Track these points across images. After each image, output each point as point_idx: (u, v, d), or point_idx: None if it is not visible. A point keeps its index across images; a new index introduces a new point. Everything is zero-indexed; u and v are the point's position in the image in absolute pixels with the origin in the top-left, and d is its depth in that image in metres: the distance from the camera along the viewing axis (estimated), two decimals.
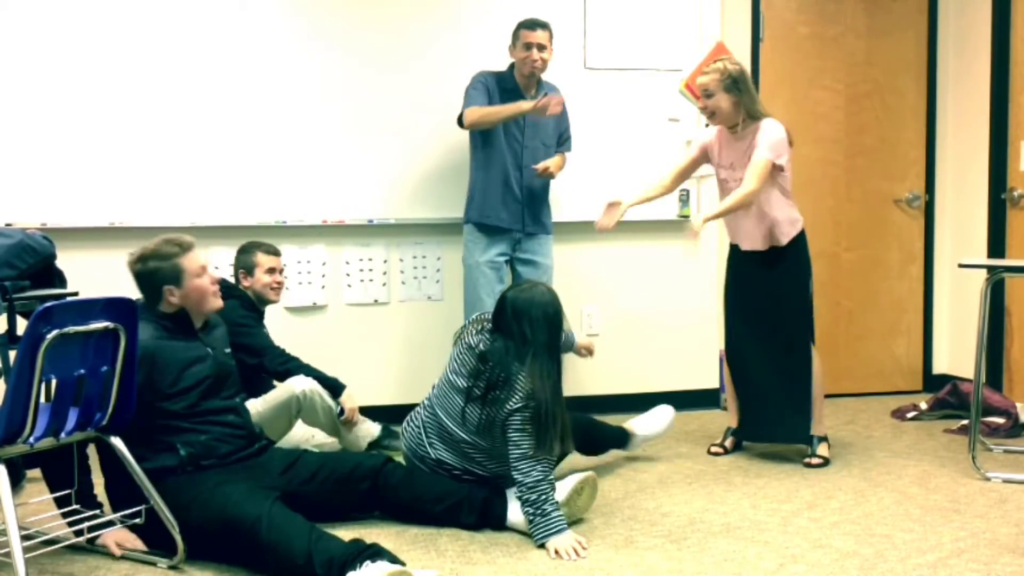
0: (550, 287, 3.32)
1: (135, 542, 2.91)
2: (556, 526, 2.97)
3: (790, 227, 3.94)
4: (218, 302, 3.12)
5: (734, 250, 4.12)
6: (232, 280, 4.04)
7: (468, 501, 3.14)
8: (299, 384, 3.76)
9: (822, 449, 3.97)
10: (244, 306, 3.93)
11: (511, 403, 3.10)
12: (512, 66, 4.43)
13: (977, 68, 5.14)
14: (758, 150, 3.80)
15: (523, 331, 3.16)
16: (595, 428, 3.85)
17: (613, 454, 3.95)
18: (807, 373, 3.95)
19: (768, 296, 3.97)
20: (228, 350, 3.22)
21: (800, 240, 3.96)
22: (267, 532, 2.66)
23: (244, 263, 4.02)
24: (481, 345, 3.25)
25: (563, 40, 4.84)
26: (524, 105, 4.25)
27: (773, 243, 3.95)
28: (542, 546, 2.95)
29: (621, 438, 3.90)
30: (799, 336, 3.96)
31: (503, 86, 4.41)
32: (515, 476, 3.06)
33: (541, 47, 4.32)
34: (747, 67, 5.02)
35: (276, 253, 4.06)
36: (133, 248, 4.37)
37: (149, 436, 2.91)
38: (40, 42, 4.29)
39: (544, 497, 3.01)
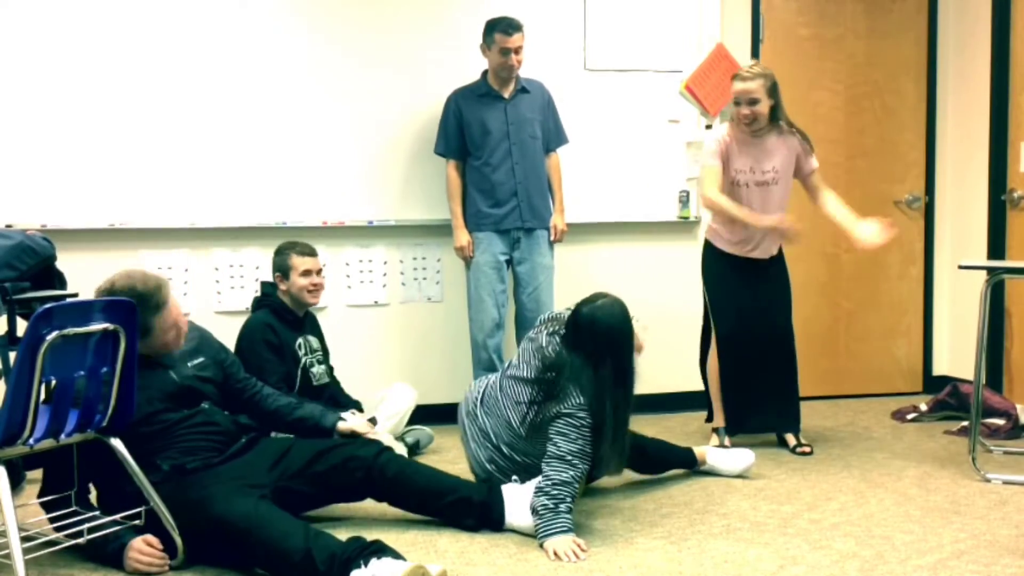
0: (622, 304, 3.22)
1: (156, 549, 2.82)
2: (561, 527, 2.97)
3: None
4: (181, 343, 3.05)
5: (721, 252, 4.17)
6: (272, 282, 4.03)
7: (467, 503, 3.12)
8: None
9: (803, 438, 4.22)
10: (271, 322, 3.86)
11: (563, 406, 3.11)
12: (485, 71, 4.47)
13: (977, 69, 5.14)
14: (812, 160, 4.08)
15: (593, 349, 3.13)
16: (655, 447, 3.75)
17: None
18: (794, 364, 4.21)
19: (762, 294, 4.13)
20: (195, 362, 3.12)
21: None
22: (258, 531, 2.64)
23: (279, 265, 3.96)
24: (550, 349, 3.26)
25: (563, 41, 4.85)
26: (455, 235, 4.49)
27: (775, 250, 4.17)
28: (542, 545, 2.96)
29: (688, 460, 3.81)
30: (788, 330, 4.19)
31: (478, 93, 4.47)
32: (544, 470, 3.07)
33: (518, 50, 4.37)
34: None
35: (312, 254, 4.00)
36: (133, 249, 4.43)
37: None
38: (40, 42, 4.29)
39: (562, 498, 3.01)
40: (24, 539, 2.59)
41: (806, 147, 4.07)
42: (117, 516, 2.92)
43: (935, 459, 4.05)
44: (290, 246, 4.00)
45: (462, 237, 4.48)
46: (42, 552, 2.86)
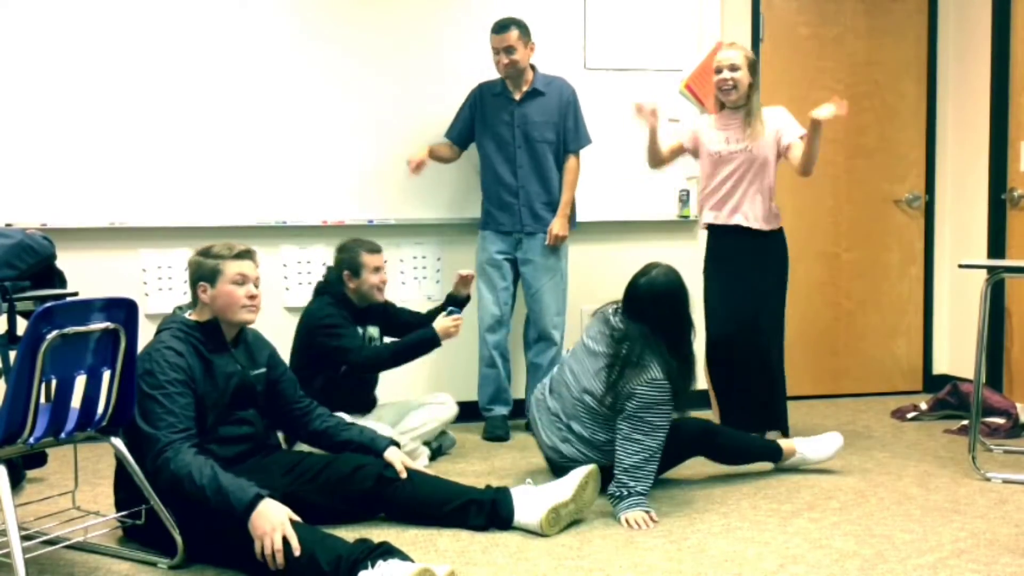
0: (671, 268, 3.49)
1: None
2: (632, 504, 3.21)
3: (776, 215, 4.16)
4: (249, 316, 3.03)
5: (719, 241, 4.21)
6: (330, 275, 4.01)
7: (476, 504, 3.13)
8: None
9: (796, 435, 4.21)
10: (334, 304, 3.87)
11: (640, 379, 3.30)
12: None
13: (977, 68, 5.14)
14: (793, 130, 4.06)
15: (656, 315, 3.39)
16: (730, 438, 3.81)
17: None
18: (782, 362, 4.21)
19: (755, 287, 4.11)
20: (259, 371, 3.14)
21: (783, 235, 4.18)
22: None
23: (349, 263, 3.91)
24: (616, 319, 3.47)
25: (563, 40, 4.85)
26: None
27: (766, 223, 4.11)
28: (618, 517, 3.21)
29: (771, 452, 3.83)
30: (779, 327, 4.19)
31: (492, 91, 4.50)
32: (618, 452, 3.28)
33: (509, 49, 4.36)
34: None
35: (379, 250, 3.97)
36: (133, 248, 4.44)
37: None
38: (40, 42, 4.30)
39: (638, 478, 3.24)
40: (24, 538, 2.59)
41: (786, 123, 4.09)
42: (116, 515, 2.92)
43: (935, 458, 4.05)
44: (358, 243, 3.95)
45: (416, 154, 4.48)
46: (42, 551, 2.86)
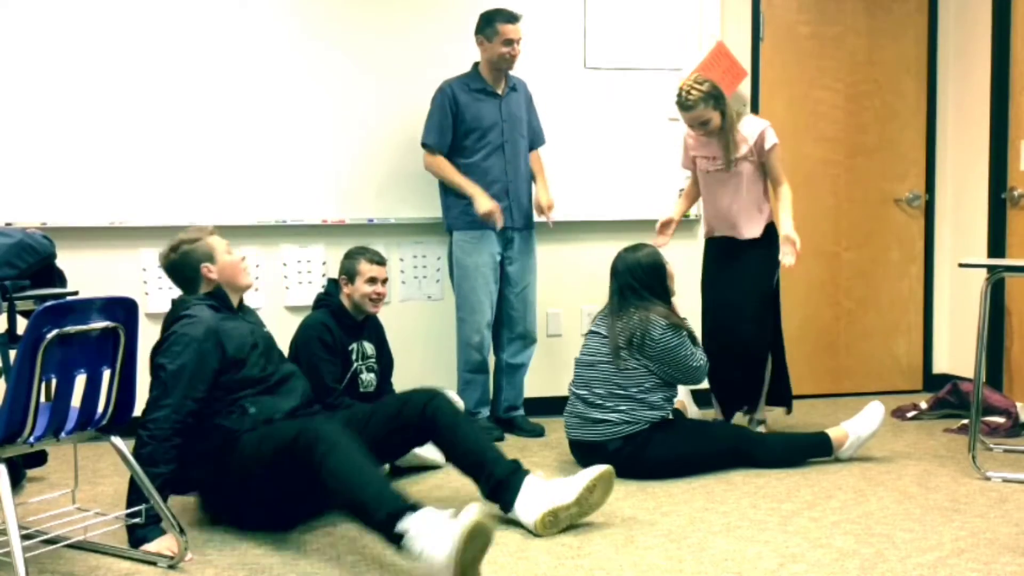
0: (655, 248, 3.94)
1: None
2: None
3: (767, 216, 4.26)
4: (249, 278, 3.35)
5: (708, 242, 4.37)
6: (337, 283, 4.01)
7: (488, 473, 3.13)
8: None
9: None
10: (327, 322, 3.85)
11: (648, 329, 3.68)
12: (477, 64, 4.43)
13: (977, 68, 5.14)
14: (769, 140, 4.13)
15: (644, 282, 3.79)
16: (772, 444, 3.93)
17: None
18: (781, 346, 4.32)
19: (738, 286, 4.20)
20: (266, 329, 3.39)
21: (771, 227, 4.25)
22: (333, 459, 2.76)
23: (347, 268, 3.93)
24: (606, 309, 3.85)
25: (563, 39, 4.85)
26: (480, 202, 4.29)
27: (759, 230, 4.21)
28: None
29: (820, 446, 3.89)
30: (755, 326, 4.21)
31: (471, 87, 4.40)
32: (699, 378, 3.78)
33: (519, 40, 4.34)
34: (747, 67, 5.07)
35: (381, 262, 3.95)
36: (133, 247, 4.44)
37: (219, 404, 3.05)
38: (40, 42, 4.30)
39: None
40: (24, 537, 2.59)
41: (763, 133, 4.14)
42: (116, 514, 2.92)
43: (935, 457, 4.05)
44: (361, 251, 3.96)
45: (486, 203, 4.29)
46: (42, 550, 2.87)
